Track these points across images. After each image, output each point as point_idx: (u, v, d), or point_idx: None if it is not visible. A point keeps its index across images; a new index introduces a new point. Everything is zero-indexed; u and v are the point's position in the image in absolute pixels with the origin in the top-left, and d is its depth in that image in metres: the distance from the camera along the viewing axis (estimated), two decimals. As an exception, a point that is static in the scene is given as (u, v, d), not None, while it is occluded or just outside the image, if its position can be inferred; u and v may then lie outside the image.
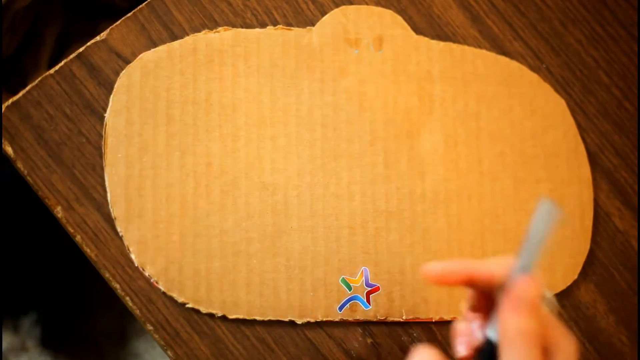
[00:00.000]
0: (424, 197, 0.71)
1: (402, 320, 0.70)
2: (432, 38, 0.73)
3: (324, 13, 0.72)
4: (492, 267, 0.48)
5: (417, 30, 0.73)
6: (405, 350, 0.71)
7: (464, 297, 0.51)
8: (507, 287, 0.46)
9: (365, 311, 0.69)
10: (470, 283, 0.49)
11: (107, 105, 0.68)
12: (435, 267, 0.49)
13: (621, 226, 0.74)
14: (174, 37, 0.70)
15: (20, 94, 0.68)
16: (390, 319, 0.70)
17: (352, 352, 0.71)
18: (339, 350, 0.71)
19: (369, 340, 0.71)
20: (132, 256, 0.67)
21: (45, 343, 1.37)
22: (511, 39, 0.74)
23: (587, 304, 0.74)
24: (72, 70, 0.69)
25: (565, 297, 0.73)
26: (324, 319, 0.69)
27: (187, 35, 0.70)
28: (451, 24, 0.73)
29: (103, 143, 0.68)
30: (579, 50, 0.75)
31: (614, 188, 0.74)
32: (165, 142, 0.68)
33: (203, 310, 0.67)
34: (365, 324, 0.71)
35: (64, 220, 0.67)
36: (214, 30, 0.70)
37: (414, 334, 0.71)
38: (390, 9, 0.72)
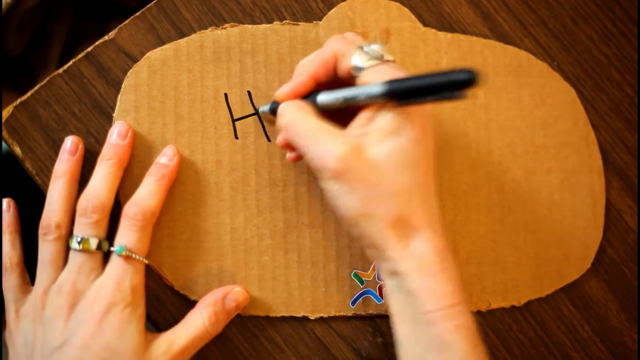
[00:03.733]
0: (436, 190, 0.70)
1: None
2: (441, 33, 0.73)
3: (333, 11, 0.72)
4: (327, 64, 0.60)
5: (426, 27, 0.72)
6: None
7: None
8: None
9: (378, 305, 0.69)
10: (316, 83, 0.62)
11: (115, 104, 0.68)
12: (284, 91, 0.61)
13: (633, 224, 0.74)
14: (182, 36, 0.70)
15: (29, 93, 0.68)
16: (403, 312, 0.69)
17: (363, 351, 0.70)
18: (349, 350, 0.70)
19: (380, 340, 0.70)
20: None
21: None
22: (522, 36, 0.74)
23: (598, 302, 0.73)
24: (80, 70, 0.69)
25: (576, 295, 0.73)
26: (337, 314, 0.69)
27: (196, 34, 0.70)
28: (461, 22, 0.73)
29: (112, 142, 0.67)
30: (590, 47, 0.75)
31: (626, 186, 0.74)
32: (174, 141, 0.68)
33: (215, 308, 0.67)
34: (375, 324, 0.70)
35: (73, 220, 0.67)
36: (221, 27, 0.70)
37: (425, 334, 0.71)
38: (399, 5, 0.72)
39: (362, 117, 0.56)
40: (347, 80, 0.60)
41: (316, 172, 0.57)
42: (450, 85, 0.50)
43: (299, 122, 0.58)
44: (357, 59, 0.58)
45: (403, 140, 0.55)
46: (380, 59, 0.58)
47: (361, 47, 0.59)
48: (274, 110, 0.63)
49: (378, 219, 0.55)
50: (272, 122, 0.69)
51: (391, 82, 0.53)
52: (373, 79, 0.56)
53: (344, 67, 0.59)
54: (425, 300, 0.55)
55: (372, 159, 0.54)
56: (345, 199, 0.56)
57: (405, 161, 0.55)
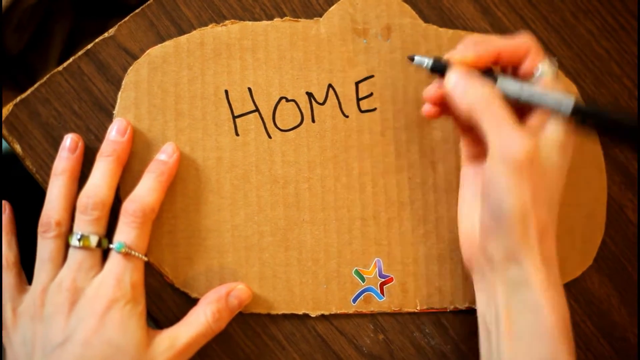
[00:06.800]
0: (436, 187, 0.70)
1: (416, 310, 0.70)
2: (442, 28, 0.73)
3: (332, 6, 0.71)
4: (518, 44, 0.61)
5: (427, 23, 0.72)
6: (417, 346, 0.71)
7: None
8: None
9: (380, 303, 0.69)
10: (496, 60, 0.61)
11: (115, 101, 0.68)
12: (465, 55, 0.61)
13: (634, 218, 0.74)
14: (182, 33, 0.70)
15: (29, 91, 0.68)
16: (405, 309, 0.69)
17: (364, 348, 0.70)
18: (350, 347, 0.70)
19: (381, 336, 0.70)
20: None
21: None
22: (522, 31, 0.73)
23: (600, 297, 0.73)
24: (80, 67, 0.69)
25: (578, 291, 0.73)
26: (338, 312, 0.69)
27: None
28: (462, 17, 0.73)
29: (112, 140, 0.67)
30: (590, 42, 0.74)
31: (627, 180, 0.74)
32: (175, 138, 0.68)
33: (216, 306, 0.67)
34: (376, 320, 0.70)
35: (73, 218, 0.67)
36: (221, 24, 0.70)
37: (426, 330, 0.71)
38: (400, 1, 0.72)
39: (537, 118, 0.58)
40: (523, 76, 0.61)
41: (493, 156, 0.57)
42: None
43: (491, 102, 0.58)
44: (545, 63, 0.60)
45: (567, 157, 0.58)
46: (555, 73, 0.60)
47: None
48: (440, 70, 0.62)
49: (531, 221, 0.56)
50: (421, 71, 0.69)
51: (588, 104, 0.56)
52: (556, 88, 0.58)
53: (531, 64, 0.60)
54: (549, 313, 0.56)
55: (543, 164, 0.57)
56: (514, 192, 0.56)
57: (562, 177, 0.59)
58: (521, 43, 0.61)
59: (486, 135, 0.57)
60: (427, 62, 0.63)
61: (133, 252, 0.62)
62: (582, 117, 0.55)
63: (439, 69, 0.62)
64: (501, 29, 0.73)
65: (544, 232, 0.57)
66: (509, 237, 0.57)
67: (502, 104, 0.58)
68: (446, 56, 0.62)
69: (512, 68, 0.62)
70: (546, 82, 0.59)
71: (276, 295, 0.69)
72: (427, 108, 0.64)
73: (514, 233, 0.57)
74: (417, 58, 0.63)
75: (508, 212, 0.57)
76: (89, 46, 0.69)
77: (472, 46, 0.61)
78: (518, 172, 0.55)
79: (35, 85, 0.68)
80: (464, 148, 0.65)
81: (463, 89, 0.59)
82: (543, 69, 0.59)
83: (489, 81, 0.60)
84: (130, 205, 0.63)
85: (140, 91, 0.68)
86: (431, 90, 0.63)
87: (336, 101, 0.70)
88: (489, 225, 0.59)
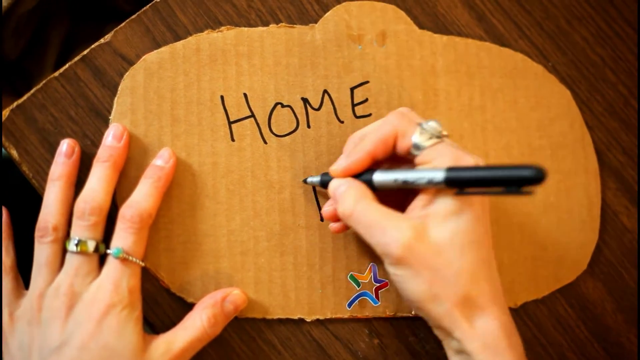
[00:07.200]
0: (431, 192, 0.70)
1: (411, 315, 0.70)
2: (437, 35, 0.73)
3: (328, 12, 0.72)
4: (386, 140, 0.61)
5: (422, 29, 0.72)
6: (412, 350, 0.71)
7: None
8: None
9: (375, 307, 0.69)
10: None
11: (111, 107, 0.68)
12: (340, 167, 0.63)
13: (629, 224, 0.74)
14: (178, 39, 0.70)
15: (25, 97, 0.68)
16: (400, 314, 0.69)
17: (359, 352, 0.70)
18: (345, 351, 0.70)
19: (376, 341, 0.71)
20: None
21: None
22: (517, 37, 0.74)
23: (595, 302, 0.73)
24: (76, 73, 0.69)
25: (573, 296, 0.73)
26: (333, 316, 0.69)
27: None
28: (456, 23, 0.73)
29: (108, 145, 0.67)
30: (585, 49, 0.75)
31: (622, 186, 0.74)
32: (171, 143, 0.68)
33: (211, 310, 0.67)
34: (372, 325, 0.70)
35: (70, 224, 0.67)
36: (217, 30, 0.70)
37: (421, 335, 0.71)
38: (394, 8, 0.72)
39: (423, 198, 0.58)
40: (405, 157, 0.61)
41: (381, 257, 0.59)
42: (514, 181, 0.51)
43: (362, 211, 0.59)
44: (417, 138, 0.59)
45: (464, 220, 0.56)
46: (438, 135, 0.59)
47: (420, 124, 0.59)
48: (325, 184, 0.64)
49: (444, 300, 0.56)
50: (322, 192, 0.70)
51: (453, 170, 0.54)
52: (433, 160, 0.57)
53: (403, 146, 0.60)
54: None
55: (435, 241, 0.56)
56: (410, 282, 0.57)
57: (469, 241, 0.57)
58: (387, 132, 0.61)
59: (366, 242, 0.59)
60: (317, 180, 0.67)
61: (130, 258, 0.62)
62: (459, 185, 0.55)
63: (327, 183, 0.64)
64: (496, 36, 0.73)
65: (465, 303, 0.56)
66: (430, 319, 0.59)
67: (369, 206, 0.59)
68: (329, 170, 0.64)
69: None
70: (420, 157, 0.59)
71: (272, 300, 0.69)
72: (332, 225, 0.67)
73: (430, 316, 0.58)
74: (308, 180, 0.68)
75: (413, 303, 0.59)
76: (85, 52, 0.69)
77: (347, 156, 0.63)
78: (403, 265, 0.57)
79: (32, 91, 0.68)
80: None
81: (337, 202, 0.61)
82: (415, 143, 0.59)
83: (361, 184, 0.61)
84: (128, 211, 0.63)
85: (137, 97, 0.68)
86: (326, 208, 0.66)
87: (331, 107, 0.70)
88: (415, 310, 0.63)
